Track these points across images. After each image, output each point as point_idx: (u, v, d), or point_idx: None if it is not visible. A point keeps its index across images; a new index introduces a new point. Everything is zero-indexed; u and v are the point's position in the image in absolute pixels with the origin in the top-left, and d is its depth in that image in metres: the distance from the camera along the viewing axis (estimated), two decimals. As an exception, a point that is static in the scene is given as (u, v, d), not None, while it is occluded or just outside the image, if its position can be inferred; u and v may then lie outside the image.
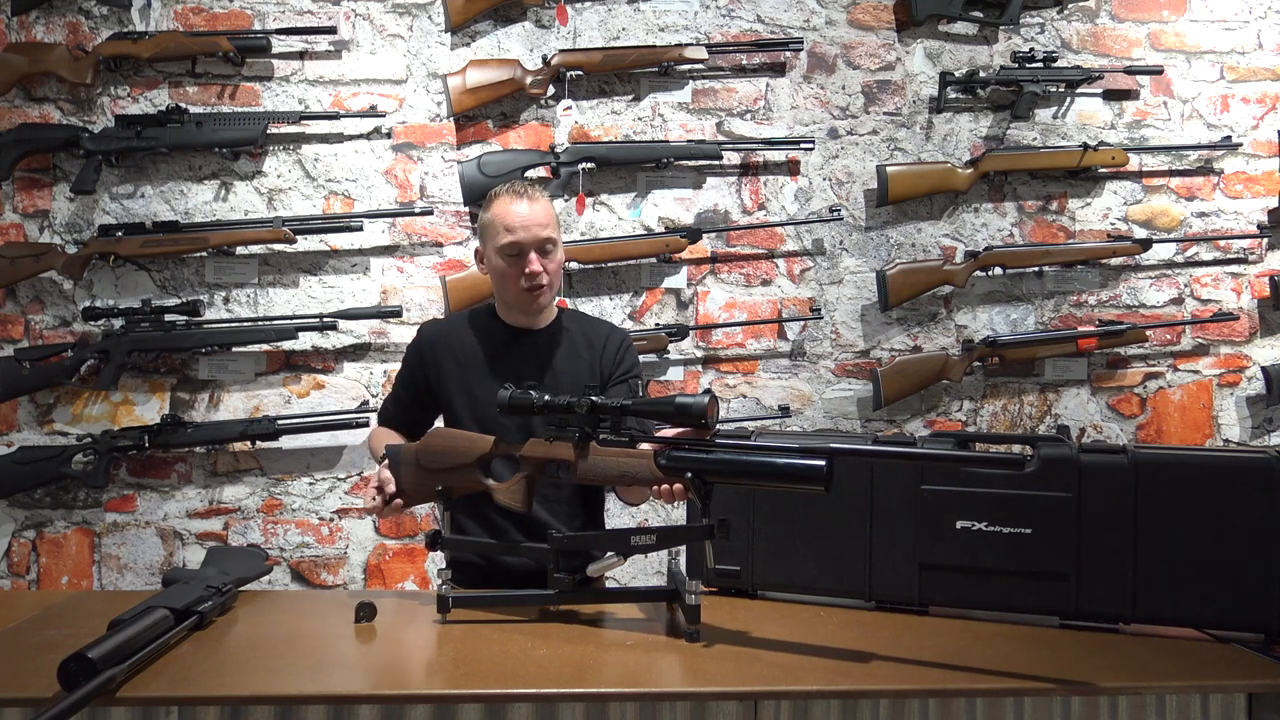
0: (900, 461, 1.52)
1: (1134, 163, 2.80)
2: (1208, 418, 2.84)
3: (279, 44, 2.70)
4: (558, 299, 2.63)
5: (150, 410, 2.68)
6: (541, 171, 2.70)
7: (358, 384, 2.72)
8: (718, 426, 1.45)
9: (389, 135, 2.73)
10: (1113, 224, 2.83)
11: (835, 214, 2.73)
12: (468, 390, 1.82)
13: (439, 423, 1.91)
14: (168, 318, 2.60)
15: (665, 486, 1.42)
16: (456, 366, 1.84)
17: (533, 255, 1.75)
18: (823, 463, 1.29)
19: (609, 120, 2.77)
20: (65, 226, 2.69)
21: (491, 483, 1.57)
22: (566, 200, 2.72)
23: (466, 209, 2.73)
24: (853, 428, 2.78)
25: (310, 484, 2.72)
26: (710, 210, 2.78)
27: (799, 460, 1.31)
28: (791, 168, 2.79)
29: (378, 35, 2.74)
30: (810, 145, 2.74)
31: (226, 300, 2.71)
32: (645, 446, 1.45)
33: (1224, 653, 1.41)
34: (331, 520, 2.72)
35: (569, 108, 2.73)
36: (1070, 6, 2.82)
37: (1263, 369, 2.79)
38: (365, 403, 2.67)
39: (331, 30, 2.69)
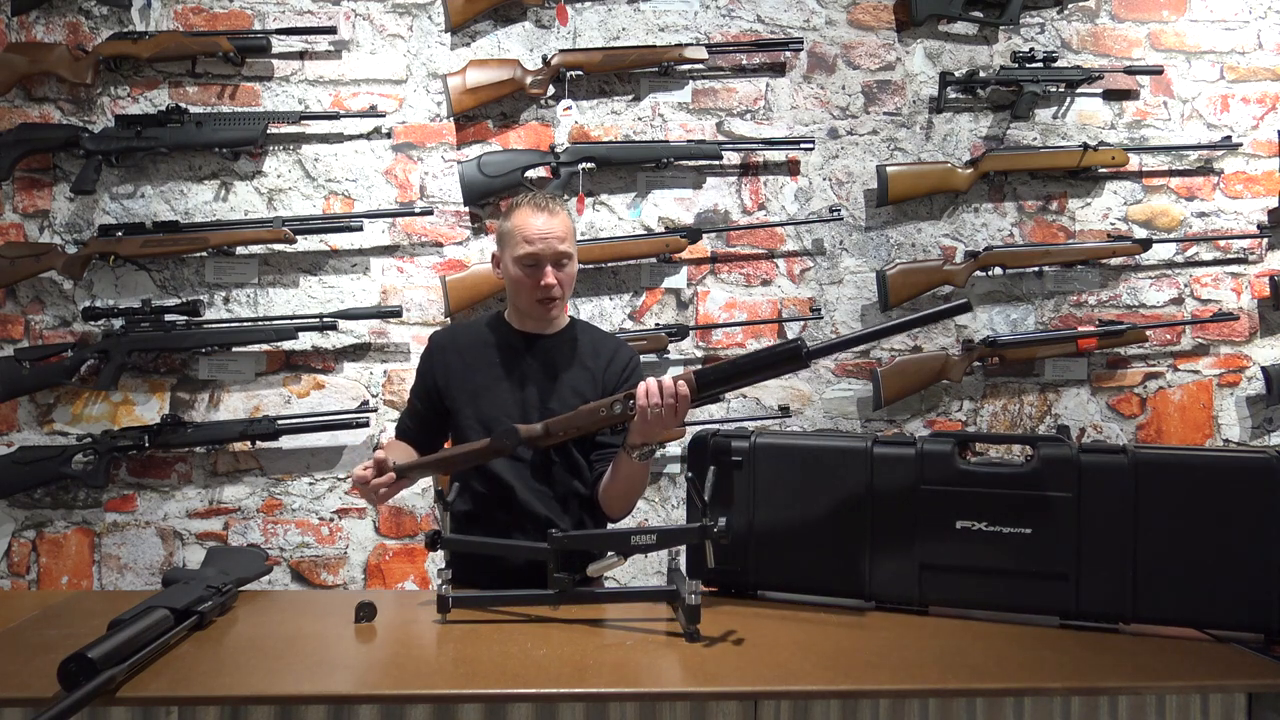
0: (862, 343, 1.72)
1: (1134, 163, 2.80)
2: (1208, 418, 2.84)
3: (279, 44, 2.70)
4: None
5: (150, 410, 2.68)
6: (541, 171, 2.70)
7: (358, 384, 2.72)
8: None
9: (389, 135, 2.73)
10: (1113, 224, 2.83)
11: (835, 214, 2.73)
12: (475, 394, 1.84)
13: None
14: (168, 318, 2.60)
15: (666, 388, 1.56)
16: (465, 370, 1.87)
17: (549, 269, 1.79)
18: (797, 342, 1.52)
19: (609, 120, 2.77)
20: (65, 226, 2.69)
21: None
22: (566, 200, 2.72)
23: (466, 209, 2.73)
24: (853, 427, 2.78)
25: (310, 484, 2.72)
26: (710, 210, 2.78)
27: (776, 347, 1.56)
28: (791, 168, 2.79)
29: (378, 35, 2.74)
30: (810, 145, 2.74)
31: (226, 300, 2.71)
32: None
33: (1224, 653, 1.41)
34: (331, 520, 2.72)
35: (569, 108, 2.73)
36: (1070, 6, 2.82)
37: (1263, 369, 2.79)
38: (365, 403, 2.67)
39: (331, 30, 2.69)
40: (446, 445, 1.91)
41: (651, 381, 1.59)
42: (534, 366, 1.85)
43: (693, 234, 2.70)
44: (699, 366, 1.62)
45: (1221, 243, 2.83)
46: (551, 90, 2.74)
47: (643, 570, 2.69)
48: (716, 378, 1.59)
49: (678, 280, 2.77)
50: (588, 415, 1.65)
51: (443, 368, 1.88)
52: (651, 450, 1.70)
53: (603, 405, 1.64)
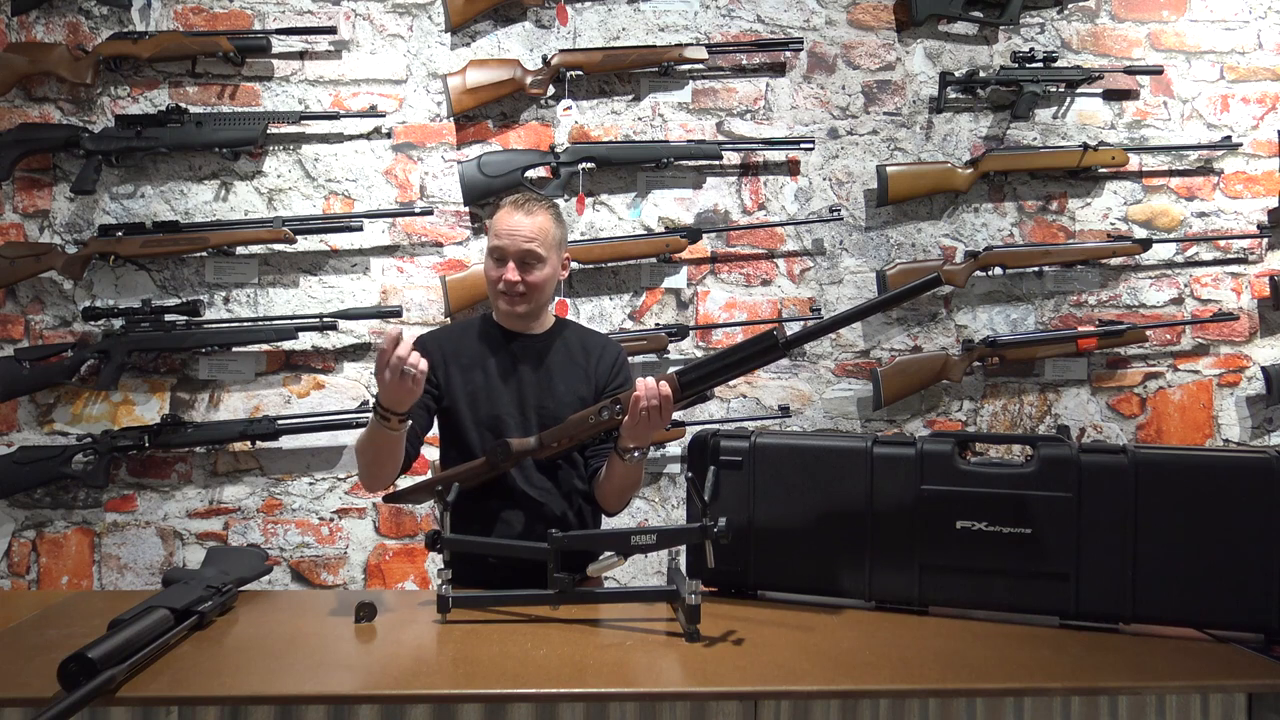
0: (836, 328, 1.69)
1: (1134, 163, 2.80)
2: (1208, 418, 2.84)
3: (279, 44, 2.70)
4: (557, 299, 2.65)
5: (150, 410, 2.68)
6: (541, 171, 2.70)
7: (358, 384, 2.72)
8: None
9: (389, 135, 2.73)
10: (1113, 224, 2.83)
11: (835, 214, 2.73)
12: (473, 395, 1.85)
13: (434, 427, 1.91)
14: (168, 318, 2.60)
15: (649, 388, 1.59)
16: (459, 370, 1.87)
17: (511, 264, 1.80)
18: (772, 330, 1.54)
19: (609, 120, 2.77)
20: (65, 226, 2.69)
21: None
22: (566, 200, 2.72)
23: (466, 209, 2.73)
24: (853, 427, 2.78)
25: (310, 484, 2.72)
26: (710, 210, 2.78)
27: (752, 340, 1.56)
28: (791, 168, 2.79)
29: (378, 35, 2.74)
30: (810, 145, 2.74)
31: (226, 300, 2.71)
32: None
33: (1224, 653, 1.41)
34: (331, 520, 2.72)
35: (569, 108, 2.73)
36: (1070, 6, 2.82)
37: (1263, 369, 2.79)
38: (365, 403, 2.67)
39: (331, 30, 2.69)
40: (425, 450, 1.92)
41: (639, 383, 1.61)
42: (526, 366, 1.87)
43: (693, 234, 2.70)
44: (679, 367, 1.67)
45: (1221, 243, 2.83)
46: (551, 90, 2.74)
47: (643, 570, 2.69)
48: (697, 376, 1.61)
49: (678, 280, 2.77)
50: (578, 424, 1.69)
51: (440, 368, 1.88)
52: (644, 453, 1.72)
53: (590, 413, 1.68)
